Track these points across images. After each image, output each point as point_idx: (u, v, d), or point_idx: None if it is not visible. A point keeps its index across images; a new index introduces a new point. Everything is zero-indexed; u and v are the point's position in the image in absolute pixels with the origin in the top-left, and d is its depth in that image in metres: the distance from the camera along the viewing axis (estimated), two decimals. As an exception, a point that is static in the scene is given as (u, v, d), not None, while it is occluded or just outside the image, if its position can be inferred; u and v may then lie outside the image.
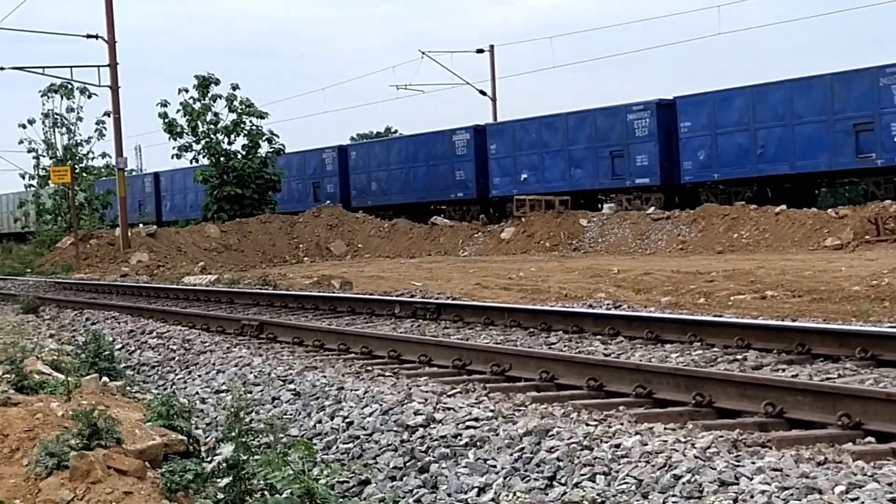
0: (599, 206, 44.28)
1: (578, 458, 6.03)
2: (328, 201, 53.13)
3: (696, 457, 5.72)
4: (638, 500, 5.48)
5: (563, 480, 5.89)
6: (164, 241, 45.48)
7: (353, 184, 54.55)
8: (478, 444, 6.64)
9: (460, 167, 48.13)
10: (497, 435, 6.68)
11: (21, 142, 57.47)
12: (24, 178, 60.23)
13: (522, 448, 6.38)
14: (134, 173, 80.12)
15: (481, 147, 47.45)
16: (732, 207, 36.54)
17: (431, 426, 7.10)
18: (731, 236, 34.59)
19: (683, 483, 5.40)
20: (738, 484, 5.30)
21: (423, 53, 58.39)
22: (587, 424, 6.88)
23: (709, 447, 5.97)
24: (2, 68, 44.89)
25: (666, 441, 6.11)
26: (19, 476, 6.14)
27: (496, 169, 46.57)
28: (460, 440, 6.74)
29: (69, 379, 8.40)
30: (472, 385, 9.08)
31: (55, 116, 55.77)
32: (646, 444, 6.04)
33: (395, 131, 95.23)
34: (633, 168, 40.99)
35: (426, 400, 7.75)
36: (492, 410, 7.32)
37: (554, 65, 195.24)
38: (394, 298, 17.67)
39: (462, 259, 38.61)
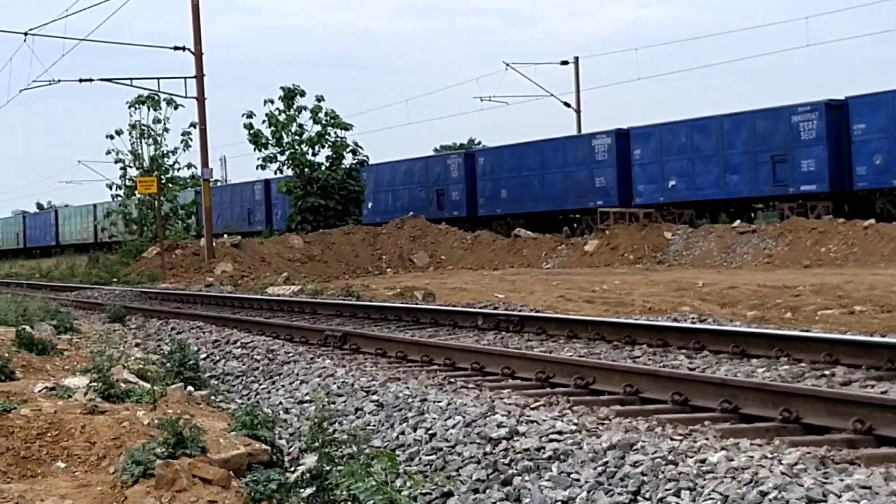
0: (754, 214, 42.49)
1: (663, 472, 5.97)
2: (455, 211, 52.49)
3: (783, 473, 5.64)
4: (724, 517, 5.42)
5: (647, 495, 5.84)
6: (248, 251, 45.86)
7: (481, 191, 52.57)
8: (561, 457, 6.59)
9: (600, 173, 45.63)
10: (581, 448, 6.63)
11: (108, 152, 58.22)
12: (111, 188, 60.94)
13: (606, 462, 6.33)
14: (219, 183, 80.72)
15: (624, 152, 44.89)
16: (820, 221, 35.86)
17: (514, 439, 7.06)
18: (819, 250, 34.16)
19: (770, 500, 5.32)
20: (826, 501, 5.22)
21: (507, 65, 58.55)
22: (672, 439, 6.82)
23: (796, 464, 5.88)
24: (91, 80, 45.54)
25: (752, 457, 6.03)
26: (106, 483, 6.21)
27: (640, 175, 44.14)
28: (543, 453, 6.70)
29: (155, 388, 8.51)
30: (556, 398, 9.03)
31: (142, 127, 56.54)
32: (731, 460, 5.97)
33: (479, 143, 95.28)
34: (798, 174, 38.21)
35: (509, 412, 7.72)
36: (575, 424, 7.27)
37: (639, 76, 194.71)
38: (477, 310, 17.59)
39: (545, 271, 38.48)
